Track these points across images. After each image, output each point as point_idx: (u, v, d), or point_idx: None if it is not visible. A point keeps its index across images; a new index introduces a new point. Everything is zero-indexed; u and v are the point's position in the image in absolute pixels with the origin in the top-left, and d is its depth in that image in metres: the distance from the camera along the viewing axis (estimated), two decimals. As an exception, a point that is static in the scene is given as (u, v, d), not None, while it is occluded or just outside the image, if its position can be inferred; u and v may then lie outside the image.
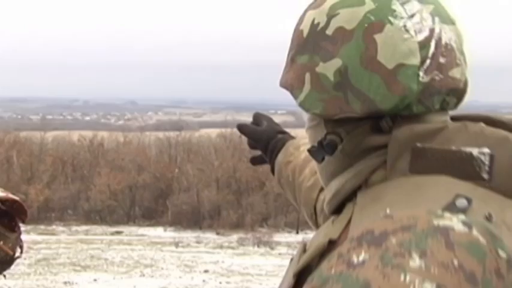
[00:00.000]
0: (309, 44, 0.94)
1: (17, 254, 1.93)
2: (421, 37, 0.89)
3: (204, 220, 42.88)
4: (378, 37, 0.89)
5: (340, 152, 0.94)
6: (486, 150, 0.88)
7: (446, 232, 0.75)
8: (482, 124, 0.91)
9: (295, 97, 0.95)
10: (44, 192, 42.74)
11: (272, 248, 33.13)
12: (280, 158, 1.40)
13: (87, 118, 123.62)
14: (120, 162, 47.75)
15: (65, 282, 21.33)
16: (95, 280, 21.76)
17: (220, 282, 21.65)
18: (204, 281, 21.85)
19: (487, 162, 0.88)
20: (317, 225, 1.31)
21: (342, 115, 0.91)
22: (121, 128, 76.77)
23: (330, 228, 0.93)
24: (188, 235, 38.82)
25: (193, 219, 43.02)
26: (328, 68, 0.91)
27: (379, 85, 0.89)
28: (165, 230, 40.59)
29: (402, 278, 0.72)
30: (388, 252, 0.75)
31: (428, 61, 0.88)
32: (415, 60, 0.88)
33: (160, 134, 57.41)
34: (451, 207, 0.82)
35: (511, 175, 0.87)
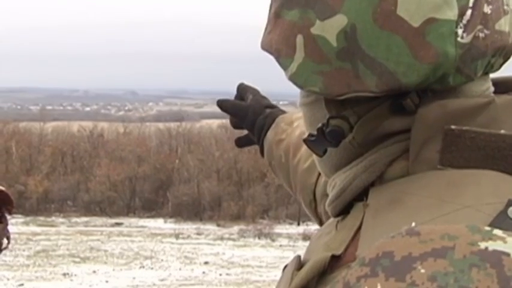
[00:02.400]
0: None
1: (4, 244, 1.87)
2: None
3: (205, 211, 42.89)
4: None
5: (350, 143, 0.72)
6: None
7: (499, 260, 0.55)
8: None
9: (284, 67, 0.71)
10: (43, 183, 42.73)
11: (273, 240, 33.18)
12: (270, 136, 1.17)
13: (87, 109, 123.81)
14: (120, 153, 47.81)
15: (64, 274, 21.33)
16: (94, 272, 21.75)
17: (221, 274, 21.63)
18: (204, 272, 21.83)
19: None
20: (317, 215, 1.11)
21: (350, 94, 0.69)
22: (121, 118, 77.00)
23: (332, 237, 0.73)
24: (188, 227, 38.87)
25: (194, 210, 43.05)
26: (329, 29, 0.68)
27: (402, 51, 0.66)
28: (165, 222, 40.62)
29: None
30: None
31: (469, 12, 0.65)
32: (451, 13, 0.65)
33: (161, 125, 57.52)
34: (503, 221, 0.61)
35: None
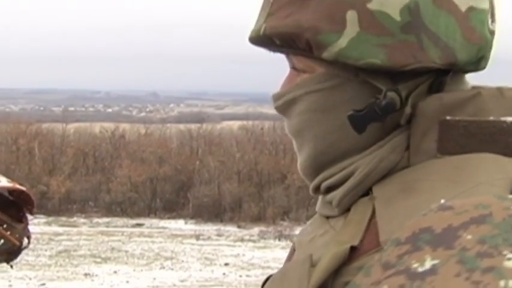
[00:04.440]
0: None
1: (24, 244, 1.89)
2: None
3: (225, 213, 42.94)
4: None
5: (391, 120, 0.74)
6: None
7: None
8: None
9: (326, 44, 0.73)
10: (65, 184, 43.05)
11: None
12: None
13: (109, 110, 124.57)
14: (141, 154, 48.06)
15: (86, 274, 21.45)
16: (115, 272, 21.85)
17: (241, 276, 21.61)
18: (224, 274, 21.82)
19: None
20: None
21: (415, 65, 0.72)
22: (142, 119, 77.34)
23: (339, 233, 0.75)
24: (209, 228, 38.94)
25: (214, 211, 43.12)
26: (392, 4, 0.72)
27: (456, 30, 0.73)
28: (185, 223, 40.71)
29: (502, 284, 0.54)
30: (467, 253, 0.58)
31: (494, 3, 0.76)
32: (486, 4, 0.75)
33: (182, 126, 57.70)
34: None
35: None
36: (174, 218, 42.76)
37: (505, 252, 0.56)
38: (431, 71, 0.73)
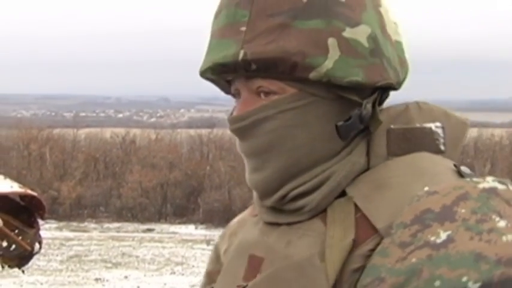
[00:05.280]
0: (314, 9, 0.85)
1: (36, 249, 1.89)
2: None
3: (235, 218, 42.73)
4: (381, 10, 0.89)
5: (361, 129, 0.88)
6: (438, 124, 0.91)
7: (496, 192, 0.78)
8: (424, 102, 0.93)
9: (314, 66, 0.84)
10: (76, 189, 43.23)
11: (304, 247, 32.97)
12: None
13: (120, 115, 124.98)
14: (152, 160, 48.20)
15: (96, 279, 21.49)
16: (126, 277, 21.89)
17: (251, 281, 21.57)
18: (235, 279, 21.78)
19: (441, 135, 0.91)
20: None
21: (383, 82, 0.87)
22: (153, 125, 77.60)
23: (330, 231, 0.84)
24: (219, 233, 38.70)
25: (225, 217, 43.09)
26: (359, 34, 0.86)
27: (395, 57, 0.89)
28: (196, 228, 40.79)
29: (505, 239, 0.73)
30: (469, 222, 0.75)
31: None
32: (402, 38, 0.93)
33: (192, 131, 57.79)
34: (468, 175, 0.85)
35: (455, 146, 0.91)
36: (184, 223, 42.82)
37: (493, 217, 0.75)
38: (379, 88, 0.88)
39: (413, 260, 0.74)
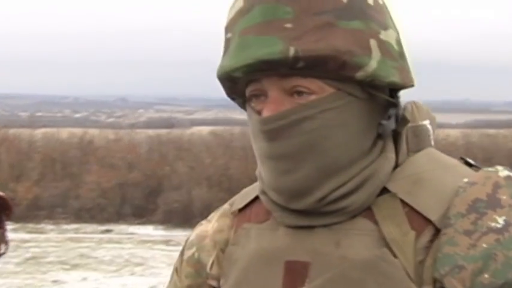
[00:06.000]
0: (354, 10, 0.87)
1: (2, 250, 1.87)
2: None
3: (195, 218, 42.72)
4: (394, 15, 0.93)
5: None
6: (428, 121, 0.97)
7: None
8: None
9: (360, 64, 0.86)
10: (33, 190, 42.61)
11: (263, 247, 33.10)
12: None
13: (77, 115, 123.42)
14: (111, 160, 47.76)
15: (54, 281, 21.29)
16: (84, 279, 21.71)
17: (211, 281, 21.58)
18: (195, 280, 21.78)
19: (431, 131, 0.98)
20: None
21: (410, 84, 0.92)
22: (111, 125, 76.85)
23: (384, 228, 0.86)
24: (179, 233, 38.83)
25: (184, 217, 42.99)
26: (391, 37, 0.90)
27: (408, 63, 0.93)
28: (155, 228, 40.57)
29: None
30: None
31: None
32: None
33: (151, 132, 57.47)
34: (478, 165, 0.93)
35: (434, 140, 0.97)
36: (143, 223, 42.52)
37: None
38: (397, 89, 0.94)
39: (484, 245, 0.81)
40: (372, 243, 0.86)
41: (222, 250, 1.02)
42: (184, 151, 52.59)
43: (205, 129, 62.48)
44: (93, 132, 57.07)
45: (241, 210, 1.07)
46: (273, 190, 0.91)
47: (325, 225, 0.90)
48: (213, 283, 1.01)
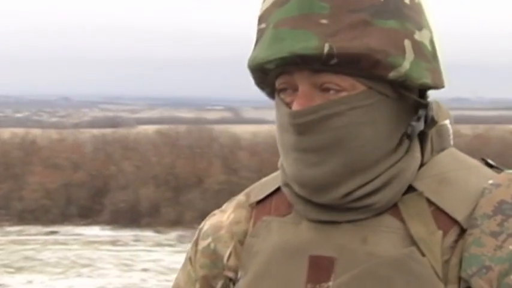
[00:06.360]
0: (390, 9, 0.86)
1: None
2: None
3: (142, 218, 42.50)
4: (430, 13, 0.93)
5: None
6: (448, 121, 0.98)
7: None
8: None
9: (394, 65, 0.86)
10: (-26, 192, 41.47)
11: (211, 245, 33.07)
12: None
13: (19, 115, 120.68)
14: (55, 160, 46.90)
15: (-2, 285, 20.79)
16: (30, 282, 21.32)
17: (160, 281, 21.50)
18: (143, 279, 21.64)
19: (451, 131, 0.98)
20: None
21: (442, 86, 0.92)
22: (54, 125, 75.43)
23: (411, 226, 0.87)
24: (126, 233, 38.46)
25: (131, 217, 42.59)
26: (424, 37, 0.89)
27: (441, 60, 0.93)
28: (102, 229, 40.05)
29: None
30: None
31: None
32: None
33: (96, 131, 56.64)
34: (499, 167, 0.94)
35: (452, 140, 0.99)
36: (89, 224, 41.93)
37: None
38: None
39: (511, 247, 0.81)
40: (398, 241, 0.86)
41: (240, 242, 1.01)
42: (130, 150, 51.97)
43: (150, 128, 61.80)
44: (35, 132, 55.86)
45: (259, 202, 1.04)
46: (296, 182, 0.90)
47: (349, 221, 0.90)
48: (230, 274, 1.01)
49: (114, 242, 32.34)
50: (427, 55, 0.88)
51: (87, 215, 45.02)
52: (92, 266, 24.87)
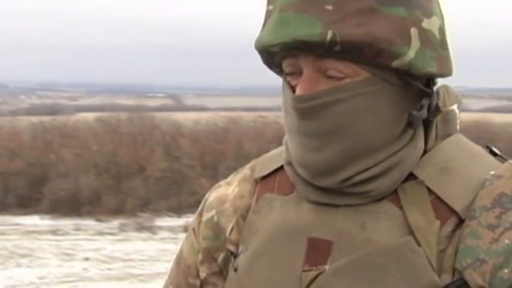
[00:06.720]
0: None
1: None
2: None
3: (83, 206, 41.94)
4: None
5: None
6: (456, 106, 0.96)
7: None
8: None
9: (398, 54, 0.84)
10: None
11: (154, 233, 32.97)
12: None
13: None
14: (-9, 149, 45.62)
15: None
16: (-33, 273, 20.75)
17: (102, 270, 21.28)
18: (85, 268, 21.38)
19: (458, 116, 0.96)
20: None
21: (449, 74, 0.90)
22: (-10, 112, 73.25)
23: (409, 214, 0.87)
24: (66, 222, 37.91)
25: (72, 206, 41.98)
26: (433, 25, 0.87)
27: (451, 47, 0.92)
28: (41, 218, 39.37)
29: None
30: None
31: None
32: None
33: (34, 119, 55.41)
34: (503, 156, 0.93)
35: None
36: (28, 213, 41.12)
37: None
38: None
39: (507, 241, 0.81)
40: (396, 228, 0.86)
41: (243, 217, 1.01)
42: (69, 138, 51.00)
43: (90, 116, 60.65)
44: (-29, 120, 54.34)
45: (263, 177, 1.03)
46: (299, 165, 0.91)
47: (348, 205, 0.90)
48: (232, 248, 1.01)
49: (54, 232, 31.83)
50: (435, 43, 0.86)
51: (26, 204, 44.07)
52: (31, 256, 24.44)
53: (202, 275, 1.05)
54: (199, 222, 1.08)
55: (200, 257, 1.06)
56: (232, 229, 1.02)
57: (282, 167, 1.00)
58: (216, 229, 1.04)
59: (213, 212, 1.06)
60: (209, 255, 1.05)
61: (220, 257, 1.03)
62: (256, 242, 0.95)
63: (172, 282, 1.09)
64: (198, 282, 1.06)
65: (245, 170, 1.08)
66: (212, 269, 1.05)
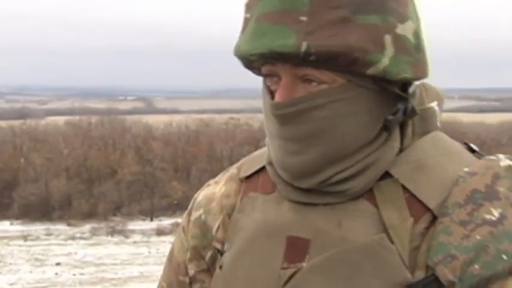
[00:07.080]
0: (372, 4, 0.86)
1: None
2: None
3: (54, 211, 41.51)
4: (416, 1, 0.92)
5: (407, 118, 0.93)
6: (435, 103, 0.97)
7: None
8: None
9: (372, 62, 0.86)
10: None
11: (126, 237, 32.76)
12: None
13: None
14: (-41, 154, 44.98)
15: None
16: None
17: (74, 274, 21.12)
18: (56, 274, 21.21)
19: (438, 113, 0.98)
20: None
21: (424, 78, 0.91)
22: (-42, 117, 72.14)
23: (384, 211, 0.89)
24: (37, 227, 37.53)
25: (42, 210, 41.58)
26: (407, 30, 0.88)
27: (428, 48, 0.93)
28: (11, 224, 38.92)
29: None
30: (511, 199, 0.85)
31: None
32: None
33: (3, 123, 54.72)
34: (480, 153, 0.94)
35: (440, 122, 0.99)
36: (-2, 219, 40.64)
37: None
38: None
39: (477, 237, 0.82)
40: (371, 225, 0.89)
41: (229, 215, 1.04)
42: (39, 142, 50.48)
43: (60, 119, 60.13)
44: None
45: (248, 177, 1.07)
46: (279, 167, 0.94)
47: (326, 204, 0.93)
48: (218, 246, 1.04)
49: (25, 237, 31.46)
50: (409, 48, 0.88)
51: (-4, 209, 43.60)
52: (1, 261, 24.13)
53: (191, 272, 1.08)
54: (188, 221, 1.11)
55: (189, 255, 1.08)
56: (218, 227, 1.05)
57: (265, 166, 1.02)
58: (204, 228, 1.07)
59: (201, 211, 1.09)
60: (197, 253, 1.07)
61: (208, 255, 1.06)
62: (240, 241, 0.98)
63: (165, 280, 1.13)
64: (187, 280, 1.09)
65: (232, 169, 1.11)
66: (200, 267, 1.07)
